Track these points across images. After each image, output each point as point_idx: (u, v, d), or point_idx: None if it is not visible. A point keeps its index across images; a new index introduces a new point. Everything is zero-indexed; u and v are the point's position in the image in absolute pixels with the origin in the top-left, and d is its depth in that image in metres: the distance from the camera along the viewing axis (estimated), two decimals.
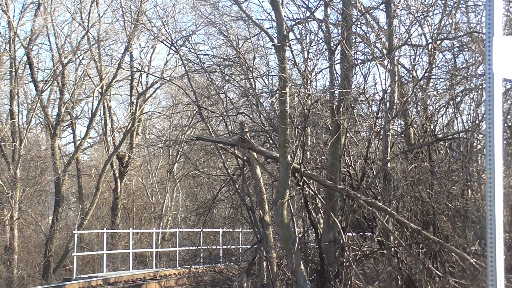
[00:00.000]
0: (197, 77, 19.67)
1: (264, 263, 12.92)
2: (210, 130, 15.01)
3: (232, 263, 17.50)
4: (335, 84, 11.95)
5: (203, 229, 23.21)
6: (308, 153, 12.76)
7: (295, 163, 11.13)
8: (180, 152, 35.06)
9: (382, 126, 12.13)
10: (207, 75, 14.81)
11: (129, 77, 35.29)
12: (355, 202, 11.52)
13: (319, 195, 12.49)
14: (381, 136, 12.24)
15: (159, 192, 37.98)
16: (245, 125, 13.01)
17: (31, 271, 30.23)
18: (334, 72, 12.12)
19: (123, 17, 32.80)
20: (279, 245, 12.83)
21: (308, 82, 12.17)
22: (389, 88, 11.94)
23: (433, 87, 13.41)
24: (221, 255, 22.33)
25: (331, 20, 11.68)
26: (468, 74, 12.45)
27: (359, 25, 12.33)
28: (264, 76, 13.66)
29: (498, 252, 4.88)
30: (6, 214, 30.34)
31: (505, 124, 10.74)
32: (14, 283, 27.50)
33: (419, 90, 12.79)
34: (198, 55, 15.26)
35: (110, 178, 35.46)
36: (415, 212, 12.13)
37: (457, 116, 13.21)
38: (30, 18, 33.18)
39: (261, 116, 13.72)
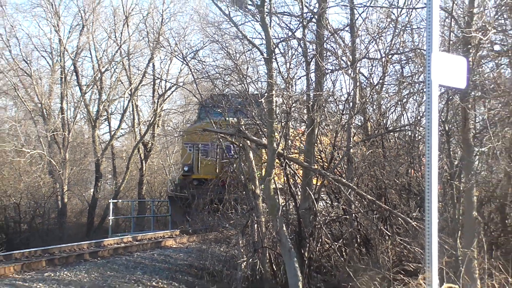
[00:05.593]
0: (204, 82, 19.58)
1: (256, 225, 12.89)
2: (213, 123, 15.05)
3: (230, 226, 17.43)
4: (311, 88, 11.91)
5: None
6: (289, 141, 12.74)
7: (279, 149, 11.12)
8: None
9: (346, 120, 12.12)
10: (211, 81, 14.77)
11: (152, 82, 35.19)
12: (325, 179, 11.54)
13: (297, 174, 12.49)
14: (345, 129, 12.22)
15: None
16: (241, 119, 12.96)
17: (77, 231, 30.38)
18: (310, 79, 12.05)
19: (147, 36, 32.90)
20: (267, 211, 12.79)
21: (290, 86, 12.10)
22: (352, 91, 11.92)
23: (385, 91, 13.40)
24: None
25: (308, 39, 11.58)
26: (412, 81, 12.44)
27: (329, 43, 12.28)
28: (256, 82, 13.61)
29: (433, 217, 4.94)
30: (59, 187, 30.62)
31: (440, 120, 10.72)
32: (64, 240, 27.47)
33: (374, 93, 12.77)
34: (204, 66, 15.26)
35: (137, 160, 35.41)
36: (371, 187, 12.14)
37: (403, 113, 13.21)
38: (76, 36, 33.46)
39: (253, 112, 13.67)
